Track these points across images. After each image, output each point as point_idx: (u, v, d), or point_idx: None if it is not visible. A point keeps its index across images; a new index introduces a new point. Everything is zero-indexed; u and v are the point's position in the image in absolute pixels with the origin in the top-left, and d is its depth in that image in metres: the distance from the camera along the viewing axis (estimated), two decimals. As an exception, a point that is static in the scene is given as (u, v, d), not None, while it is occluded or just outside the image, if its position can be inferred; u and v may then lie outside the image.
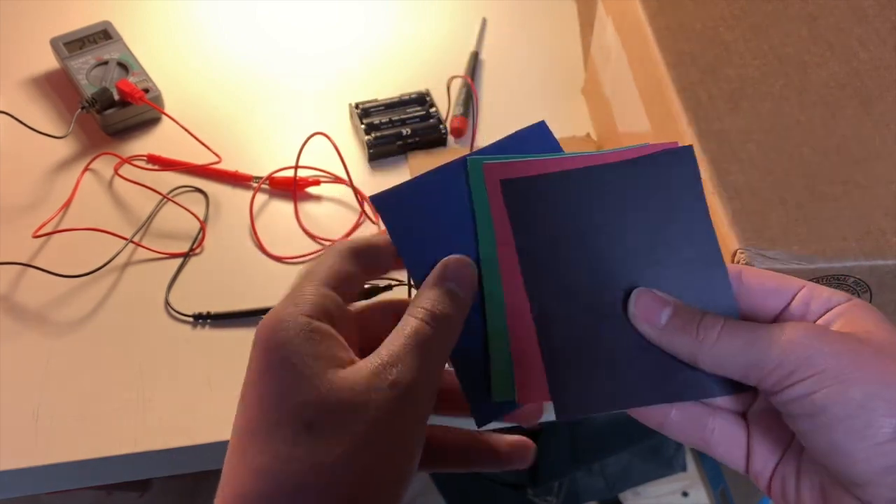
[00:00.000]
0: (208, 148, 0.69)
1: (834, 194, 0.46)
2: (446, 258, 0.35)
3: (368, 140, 0.69)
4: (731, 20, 0.55)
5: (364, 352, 0.32)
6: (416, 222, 0.37)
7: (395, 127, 0.70)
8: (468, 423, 0.36)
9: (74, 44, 0.74)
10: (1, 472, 0.52)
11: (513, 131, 0.37)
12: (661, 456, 1.03)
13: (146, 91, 0.70)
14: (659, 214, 0.36)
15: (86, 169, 0.67)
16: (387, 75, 0.77)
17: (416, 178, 0.37)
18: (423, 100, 0.73)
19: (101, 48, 0.73)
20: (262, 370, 0.32)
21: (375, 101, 0.73)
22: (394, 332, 0.32)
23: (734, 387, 0.33)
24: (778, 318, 0.34)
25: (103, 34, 0.75)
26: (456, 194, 0.36)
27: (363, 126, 0.70)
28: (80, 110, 0.68)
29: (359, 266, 0.35)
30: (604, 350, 0.34)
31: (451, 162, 0.37)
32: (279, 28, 0.81)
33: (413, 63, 0.78)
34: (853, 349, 0.30)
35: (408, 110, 0.72)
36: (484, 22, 0.82)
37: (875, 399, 0.29)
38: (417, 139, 0.70)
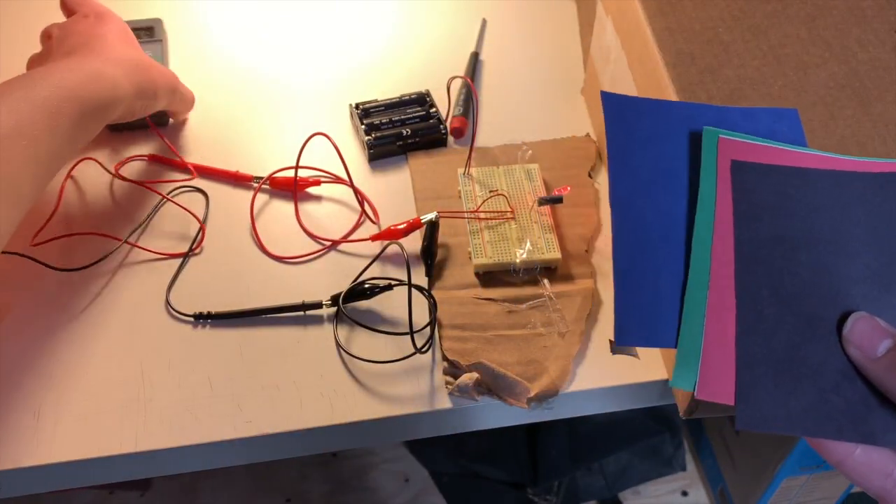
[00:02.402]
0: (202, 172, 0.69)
1: (833, 194, 0.46)
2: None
3: (368, 140, 0.69)
4: (730, 21, 0.56)
5: None
6: (637, 136, 0.34)
7: (395, 127, 0.70)
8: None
9: None
10: (1, 471, 0.52)
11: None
12: (661, 455, 1.03)
13: None
14: None
15: (69, 175, 0.67)
16: (387, 75, 0.77)
17: (650, 99, 0.35)
18: (423, 100, 0.73)
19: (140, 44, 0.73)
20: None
21: (375, 101, 0.73)
22: None
23: None
24: None
25: (148, 31, 0.76)
26: (684, 138, 0.34)
27: (363, 126, 0.70)
28: None
29: None
30: (805, 368, 0.31)
31: (689, 104, 0.34)
32: (279, 28, 0.81)
33: (413, 63, 0.79)
34: None
35: (408, 110, 0.72)
36: (484, 22, 0.82)
37: None
38: (417, 139, 0.70)
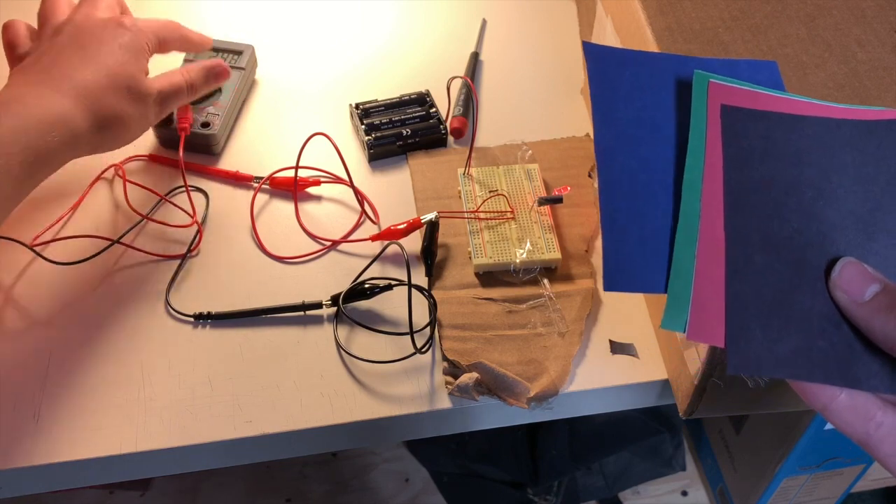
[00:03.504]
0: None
1: (833, 194, 0.46)
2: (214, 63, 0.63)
3: (368, 140, 0.69)
4: (729, 21, 0.56)
5: None
6: (620, 86, 0.34)
7: (395, 127, 0.70)
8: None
9: (208, 52, 0.73)
10: (1, 471, 0.52)
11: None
12: (661, 455, 1.03)
13: (205, 126, 0.69)
14: (884, 184, 0.32)
15: (98, 178, 0.67)
16: (387, 75, 0.77)
17: (633, 50, 0.34)
18: (423, 100, 0.73)
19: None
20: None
21: (375, 101, 0.73)
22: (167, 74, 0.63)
23: None
24: None
25: (237, 54, 0.74)
26: (669, 86, 0.34)
27: (363, 126, 0.70)
28: None
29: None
30: (793, 311, 0.31)
31: (671, 55, 0.34)
32: (279, 28, 0.82)
33: (413, 63, 0.79)
34: None
35: (408, 110, 0.72)
36: (484, 22, 0.82)
37: None
38: (417, 139, 0.70)
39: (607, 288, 0.33)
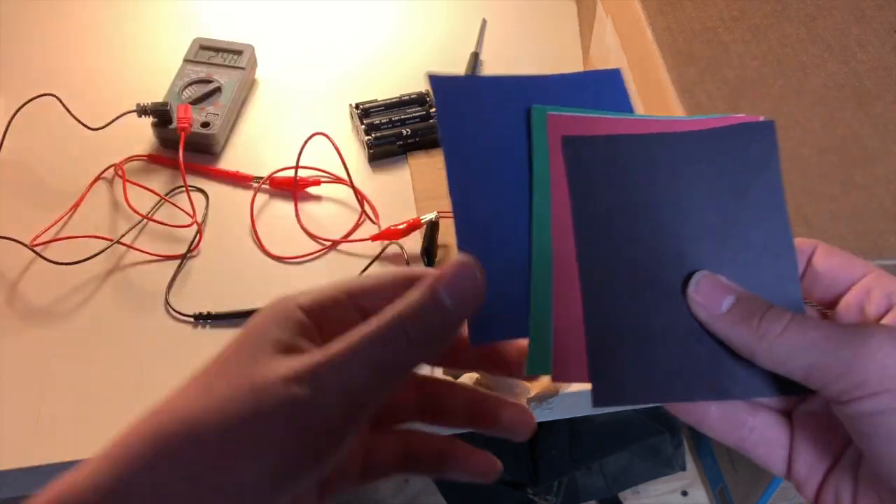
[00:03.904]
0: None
1: (833, 194, 0.46)
2: (455, 261, 0.29)
3: (368, 140, 0.69)
4: (729, 21, 0.56)
5: None
6: (470, 120, 0.33)
7: (395, 127, 0.70)
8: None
9: (208, 51, 0.73)
10: (1, 472, 0.52)
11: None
12: (661, 455, 1.03)
13: (205, 126, 0.68)
14: (731, 193, 0.32)
15: (97, 178, 0.67)
16: (387, 75, 0.77)
17: (485, 76, 0.33)
18: (423, 100, 0.73)
19: (220, 68, 0.73)
20: (232, 342, 0.31)
21: (375, 101, 0.73)
22: (352, 332, 0.28)
23: (790, 388, 0.30)
24: (832, 305, 0.32)
25: (236, 55, 0.74)
26: (519, 115, 0.33)
27: (363, 126, 0.70)
28: (133, 113, 0.68)
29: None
30: (655, 334, 0.31)
31: (522, 77, 0.33)
32: (279, 28, 0.81)
33: (413, 63, 0.79)
34: None
35: (408, 110, 0.72)
36: (484, 22, 0.82)
37: None
38: (417, 139, 0.70)
39: (473, 342, 0.31)
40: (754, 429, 0.32)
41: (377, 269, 0.62)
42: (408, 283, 0.30)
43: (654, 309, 0.32)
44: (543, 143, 0.33)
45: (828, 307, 0.33)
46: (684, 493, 1.04)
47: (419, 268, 0.32)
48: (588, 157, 0.32)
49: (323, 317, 0.30)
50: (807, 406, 0.32)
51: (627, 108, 0.35)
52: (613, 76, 0.36)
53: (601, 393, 0.31)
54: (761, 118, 0.33)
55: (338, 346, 0.27)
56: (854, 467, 0.30)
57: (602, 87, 0.35)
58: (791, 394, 0.31)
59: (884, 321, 0.30)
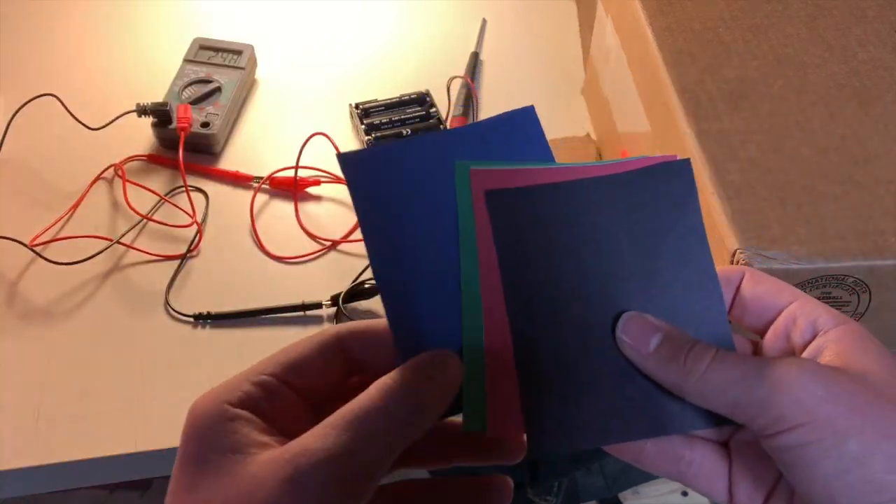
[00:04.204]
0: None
1: (833, 194, 0.46)
2: (432, 352, 0.30)
3: (368, 140, 0.69)
4: (730, 21, 0.55)
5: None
6: (385, 192, 0.32)
7: (395, 127, 0.70)
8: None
9: (208, 51, 0.73)
10: (1, 472, 0.52)
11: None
12: (661, 455, 1.03)
13: (205, 126, 0.68)
14: (652, 232, 0.33)
15: (97, 178, 0.67)
16: (387, 75, 0.77)
17: (393, 143, 0.33)
18: (423, 100, 0.73)
19: (220, 68, 0.73)
20: (180, 461, 0.30)
21: (375, 101, 0.73)
22: (345, 406, 0.28)
23: (724, 420, 0.30)
24: (763, 333, 0.32)
25: (236, 55, 0.74)
26: (439, 175, 0.32)
27: (363, 126, 0.70)
28: (133, 113, 0.68)
29: (338, 356, 0.32)
30: (588, 377, 0.32)
31: (435, 135, 0.33)
32: (279, 28, 0.81)
33: (413, 63, 0.78)
34: (850, 392, 0.28)
35: (408, 110, 0.72)
36: (484, 22, 0.82)
37: (873, 454, 0.27)
38: (417, 139, 0.70)
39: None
40: (692, 462, 0.32)
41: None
42: (333, 349, 0.31)
43: (586, 352, 0.32)
44: (467, 198, 0.33)
45: (760, 334, 0.33)
46: (684, 494, 1.04)
47: (338, 326, 0.32)
48: (511, 209, 0.33)
49: (253, 404, 0.30)
50: (742, 436, 0.32)
51: (545, 148, 0.36)
52: (527, 116, 0.36)
53: (537, 441, 0.31)
54: (677, 157, 0.34)
55: (312, 438, 0.28)
56: (789, 495, 0.30)
57: (517, 130, 0.36)
58: (724, 424, 0.31)
59: (807, 350, 0.31)
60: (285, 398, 0.31)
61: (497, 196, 0.33)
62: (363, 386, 0.29)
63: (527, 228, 0.33)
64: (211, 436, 0.30)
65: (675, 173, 0.34)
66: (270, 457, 0.28)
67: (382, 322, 0.32)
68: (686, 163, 0.34)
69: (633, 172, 0.34)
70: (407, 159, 0.33)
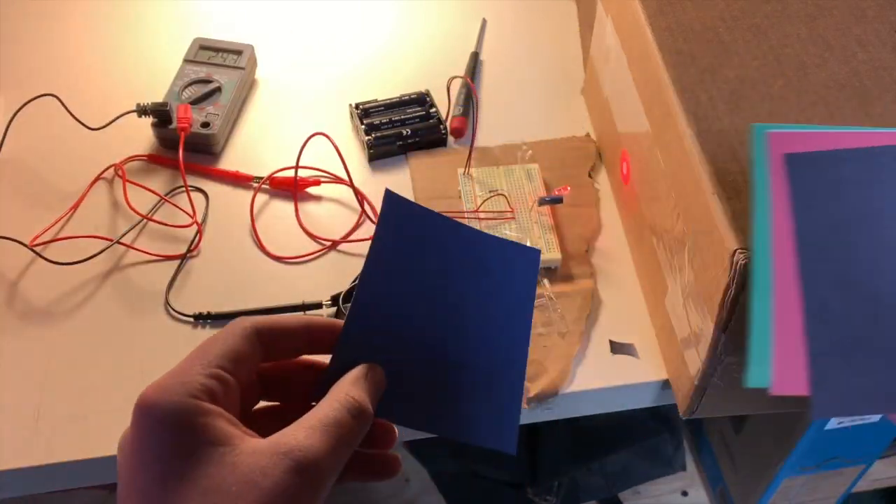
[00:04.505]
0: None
1: (833, 194, 0.46)
2: (369, 365, 0.34)
3: (368, 140, 0.69)
4: (730, 21, 0.55)
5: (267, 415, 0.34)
6: (404, 241, 0.35)
7: (395, 127, 0.70)
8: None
9: (208, 51, 0.73)
10: (1, 471, 0.52)
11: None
12: (661, 455, 1.03)
13: (205, 126, 0.68)
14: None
15: (97, 178, 0.67)
16: (387, 75, 0.77)
17: (435, 213, 0.35)
18: (423, 100, 0.73)
19: (220, 68, 0.73)
20: (159, 452, 0.30)
21: (375, 101, 0.73)
22: (315, 413, 0.32)
23: None
24: None
25: (236, 55, 0.74)
26: (449, 258, 0.35)
27: (363, 126, 0.70)
28: (133, 113, 0.68)
29: (258, 347, 0.34)
30: (878, 346, 0.32)
31: (468, 228, 0.37)
32: (279, 28, 0.81)
33: (413, 63, 0.79)
34: None
35: (408, 111, 0.72)
36: (484, 22, 0.82)
37: None
38: (417, 139, 0.70)
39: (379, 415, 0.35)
40: None
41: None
42: (254, 340, 0.34)
43: (878, 321, 0.32)
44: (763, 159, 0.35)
45: None
46: (684, 494, 1.04)
47: (324, 319, 0.36)
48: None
49: (213, 396, 0.32)
50: None
51: (532, 288, 0.39)
52: (532, 256, 0.39)
53: (821, 404, 0.33)
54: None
55: (305, 431, 0.31)
56: None
57: (518, 263, 0.38)
58: None
59: None
60: (232, 389, 0.33)
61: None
62: (274, 372, 0.36)
63: (823, 195, 0.35)
64: (194, 428, 0.30)
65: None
66: (257, 448, 0.30)
67: (291, 317, 0.36)
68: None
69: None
70: (436, 232, 0.36)
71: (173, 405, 0.31)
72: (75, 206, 0.65)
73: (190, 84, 0.71)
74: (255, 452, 0.30)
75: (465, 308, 0.36)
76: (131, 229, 0.64)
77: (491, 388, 0.36)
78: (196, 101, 0.70)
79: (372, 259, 0.34)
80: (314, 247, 0.64)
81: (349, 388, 0.33)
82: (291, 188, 0.67)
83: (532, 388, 0.55)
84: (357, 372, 0.34)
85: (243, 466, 0.30)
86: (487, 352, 0.36)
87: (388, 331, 0.34)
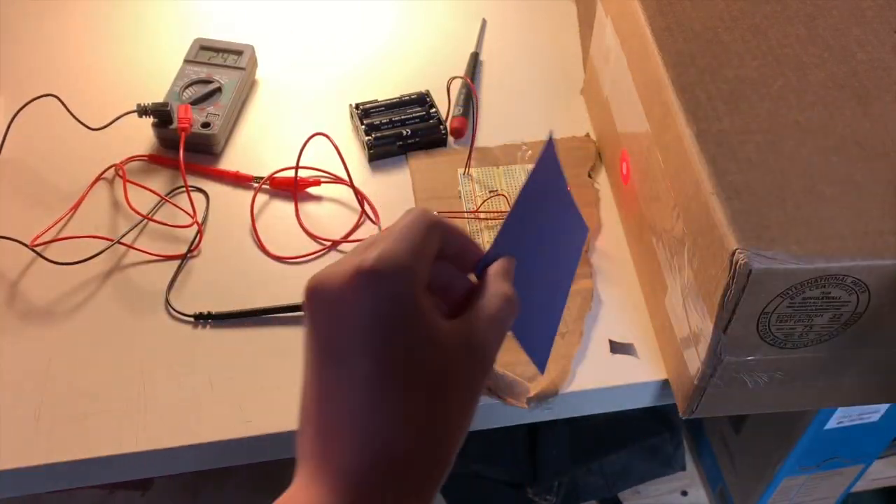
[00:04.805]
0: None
1: (832, 194, 0.46)
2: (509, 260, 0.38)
3: (368, 140, 0.69)
4: (729, 21, 0.56)
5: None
6: (543, 191, 0.40)
7: (395, 127, 0.70)
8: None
9: (208, 52, 0.74)
10: (1, 471, 0.52)
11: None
12: (661, 455, 1.03)
13: (205, 126, 0.68)
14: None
15: (98, 179, 0.67)
16: (387, 75, 0.77)
17: (560, 169, 0.41)
18: (423, 100, 0.73)
19: (221, 68, 0.73)
20: (388, 323, 0.32)
21: (375, 101, 0.73)
22: (485, 306, 0.35)
23: None
24: None
25: (236, 55, 0.74)
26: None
27: (363, 126, 0.70)
28: (133, 113, 0.68)
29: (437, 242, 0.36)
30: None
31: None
32: (279, 28, 0.81)
33: (413, 63, 0.79)
34: None
35: (408, 111, 0.72)
36: (484, 22, 0.82)
37: None
38: (417, 140, 0.70)
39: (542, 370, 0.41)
40: None
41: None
42: (467, 254, 0.37)
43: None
44: None
45: None
46: (684, 493, 1.04)
47: (438, 218, 0.36)
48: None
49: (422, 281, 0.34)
50: None
51: (580, 250, 0.48)
52: (584, 226, 0.47)
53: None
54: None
55: (479, 318, 0.35)
56: None
57: (579, 226, 0.46)
58: None
59: None
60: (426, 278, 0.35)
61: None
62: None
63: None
64: (417, 308, 0.32)
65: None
66: (451, 331, 0.34)
67: (463, 236, 0.37)
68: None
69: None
70: (558, 184, 0.42)
71: (400, 285, 0.32)
72: (76, 207, 0.65)
73: (190, 84, 0.71)
74: (451, 334, 0.33)
75: (550, 247, 0.43)
76: (132, 229, 0.64)
77: (546, 317, 0.42)
78: (196, 102, 0.70)
79: (529, 187, 0.38)
80: (314, 247, 0.64)
81: (507, 287, 0.36)
82: (291, 188, 0.67)
83: (532, 387, 0.55)
84: (509, 267, 0.37)
85: (448, 350, 0.33)
86: (551, 288, 0.43)
87: (517, 243, 0.38)
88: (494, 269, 0.37)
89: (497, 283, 0.36)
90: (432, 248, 0.34)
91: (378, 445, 0.32)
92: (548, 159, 0.40)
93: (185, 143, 0.66)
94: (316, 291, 0.33)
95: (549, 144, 0.39)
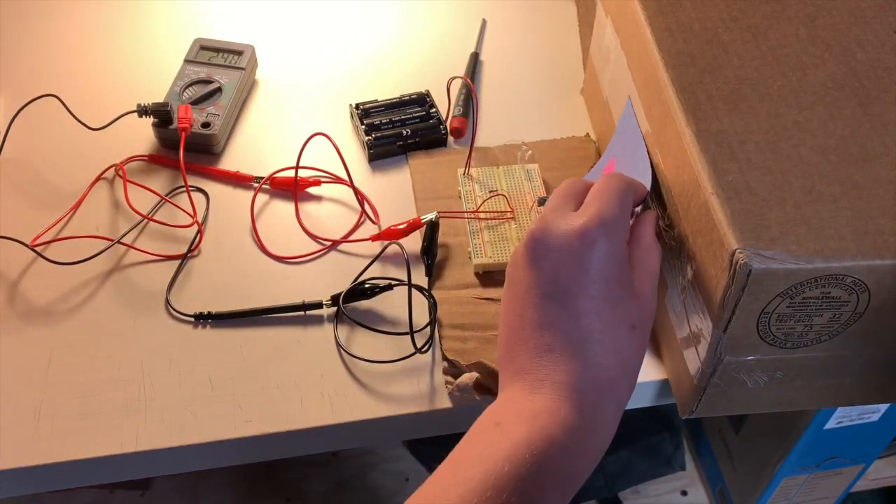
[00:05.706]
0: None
1: (832, 194, 0.46)
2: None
3: (368, 140, 0.69)
4: (729, 21, 0.56)
5: None
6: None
7: (395, 127, 0.70)
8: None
9: (208, 52, 0.74)
10: (2, 471, 0.52)
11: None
12: (661, 455, 1.03)
13: (205, 126, 0.68)
14: None
15: (98, 178, 0.67)
16: (387, 75, 0.77)
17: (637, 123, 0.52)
18: (423, 100, 0.73)
19: (221, 68, 0.73)
20: (607, 270, 0.43)
21: (375, 101, 0.73)
22: (646, 264, 0.47)
23: None
24: None
25: (237, 55, 0.74)
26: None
27: (363, 126, 0.70)
28: (133, 113, 0.68)
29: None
30: None
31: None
32: (279, 28, 0.82)
33: (413, 63, 0.79)
34: None
35: (408, 111, 0.72)
36: (484, 22, 0.82)
37: None
38: (417, 139, 0.70)
39: None
40: None
41: (377, 269, 0.62)
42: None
43: None
44: None
45: None
46: (684, 493, 1.04)
47: (632, 181, 0.49)
48: None
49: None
50: None
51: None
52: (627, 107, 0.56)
53: None
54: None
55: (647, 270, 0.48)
56: None
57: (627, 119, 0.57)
58: None
59: None
60: None
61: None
62: None
63: None
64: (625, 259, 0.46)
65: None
66: (648, 283, 0.47)
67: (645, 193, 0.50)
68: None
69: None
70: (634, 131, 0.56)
71: (616, 239, 0.43)
72: (76, 206, 0.65)
73: (190, 84, 0.71)
74: (637, 280, 0.45)
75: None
76: (132, 229, 0.64)
77: None
78: (197, 102, 0.70)
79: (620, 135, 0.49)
80: (314, 247, 0.64)
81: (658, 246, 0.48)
82: (292, 188, 0.67)
83: (532, 387, 0.55)
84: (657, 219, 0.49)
85: (638, 293, 0.45)
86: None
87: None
88: (649, 223, 0.48)
89: (655, 246, 0.47)
90: (631, 206, 0.45)
91: (597, 371, 0.41)
92: (628, 117, 0.50)
93: (186, 143, 0.66)
94: (543, 242, 0.43)
95: (629, 104, 0.52)
